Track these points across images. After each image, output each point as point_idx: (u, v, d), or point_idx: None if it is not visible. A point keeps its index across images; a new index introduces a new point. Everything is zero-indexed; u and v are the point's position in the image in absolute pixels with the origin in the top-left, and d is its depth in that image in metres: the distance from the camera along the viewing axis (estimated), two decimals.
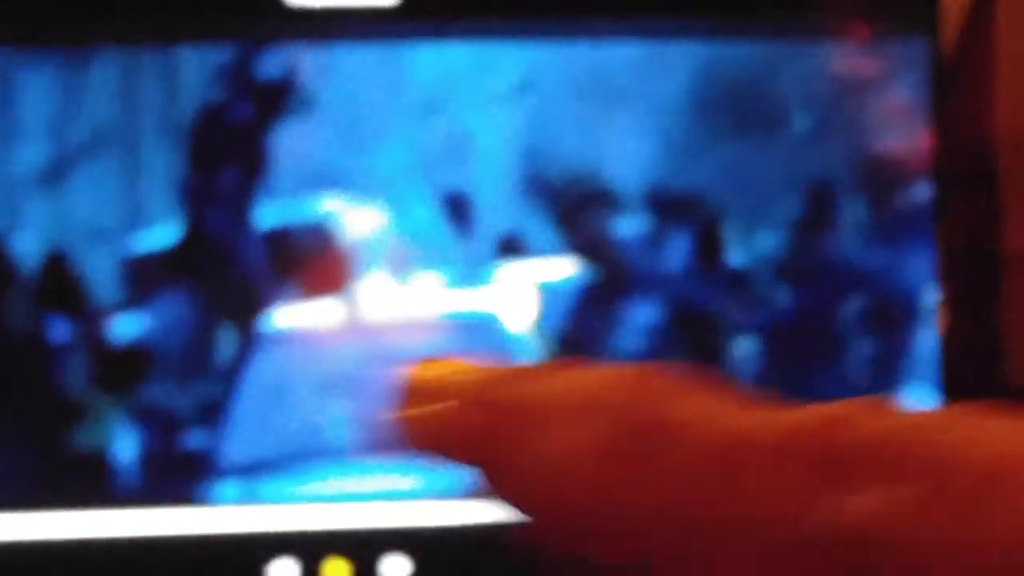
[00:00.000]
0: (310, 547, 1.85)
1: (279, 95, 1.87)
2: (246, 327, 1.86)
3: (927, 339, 1.88)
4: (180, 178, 1.86)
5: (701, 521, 0.61)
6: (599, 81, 1.88)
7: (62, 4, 1.82)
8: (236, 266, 1.86)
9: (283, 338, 1.87)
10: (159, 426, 1.85)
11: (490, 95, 1.88)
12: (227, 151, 1.87)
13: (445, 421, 0.73)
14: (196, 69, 1.86)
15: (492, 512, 1.85)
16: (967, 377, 1.91)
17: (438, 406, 0.73)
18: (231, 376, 1.87)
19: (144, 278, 1.86)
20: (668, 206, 1.88)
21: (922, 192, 1.88)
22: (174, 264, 1.86)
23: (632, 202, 1.88)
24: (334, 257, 1.88)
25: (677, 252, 1.88)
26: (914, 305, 1.88)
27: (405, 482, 1.87)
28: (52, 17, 1.83)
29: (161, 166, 1.86)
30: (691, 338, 1.88)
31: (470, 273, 1.88)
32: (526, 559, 1.79)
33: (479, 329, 1.89)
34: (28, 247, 1.84)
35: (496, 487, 0.73)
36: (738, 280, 1.88)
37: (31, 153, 1.85)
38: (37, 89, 1.85)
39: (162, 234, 1.86)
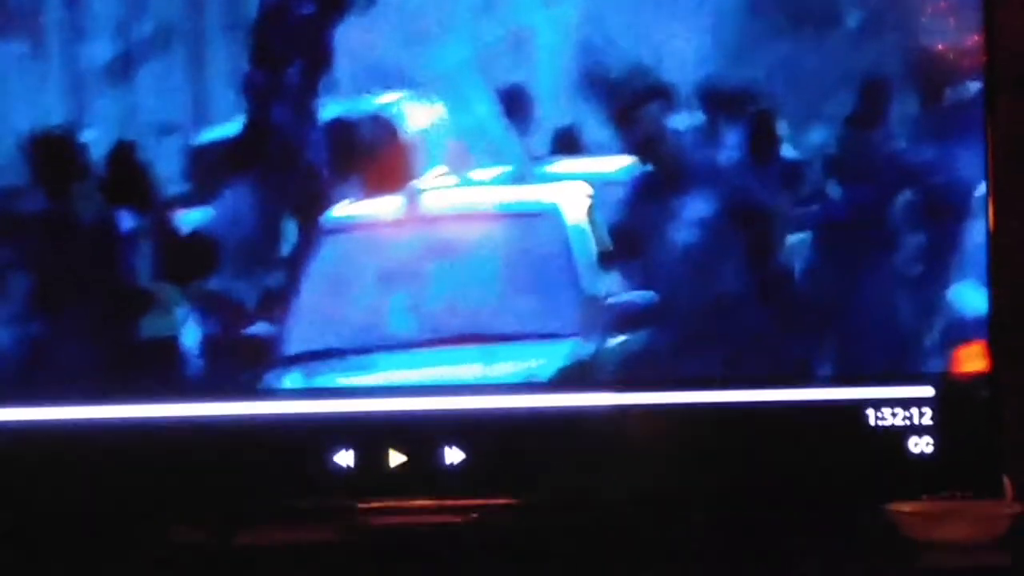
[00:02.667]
0: (369, 437, 1.90)
1: None
2: (309, 220, 1.91)
3: (976, 234, 1.90)
4: (244, 74, 1.90)
5: None
6: None
7: None
8: (299, 160, 1.90)
9: (345, 230, 1.91)
10: (223, 316, 1.90)
11: None
12: (290, 47, 1.91)
13: None
14: None
15: (546, 403, 1.88)
16: (1015, 271, 1.94)
17: None
18: (294, 267, 1.91)
19: (209, 171, 1.90)
20: (722, 101, 1.91)
21: (972, 89, 1.91)
22: (238, 158, 1.91)
23: (686, 97, 1.91)
24: (395, 151, 1.91)
25: (730, 146, 1.92)
26: (963, 200, 1.91)
27: (462, 373, 1.91)
28: None
29: (225, 62, 1.90)
30: (744, 231, 1.91)
31: (528, 167, 1.92)
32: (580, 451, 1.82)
33: (536, 222, 1.93)
34: (97, 140, 1.89)
35: None
36: (790, 174, 1.91)
37: (98, 49, 1.90)
38: None
39: (227, 128, 1.90)
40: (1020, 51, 2.00)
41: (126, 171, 1.89)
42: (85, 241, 1.89)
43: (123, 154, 1.89)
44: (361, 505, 1.91)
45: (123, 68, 1.89)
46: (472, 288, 1.90)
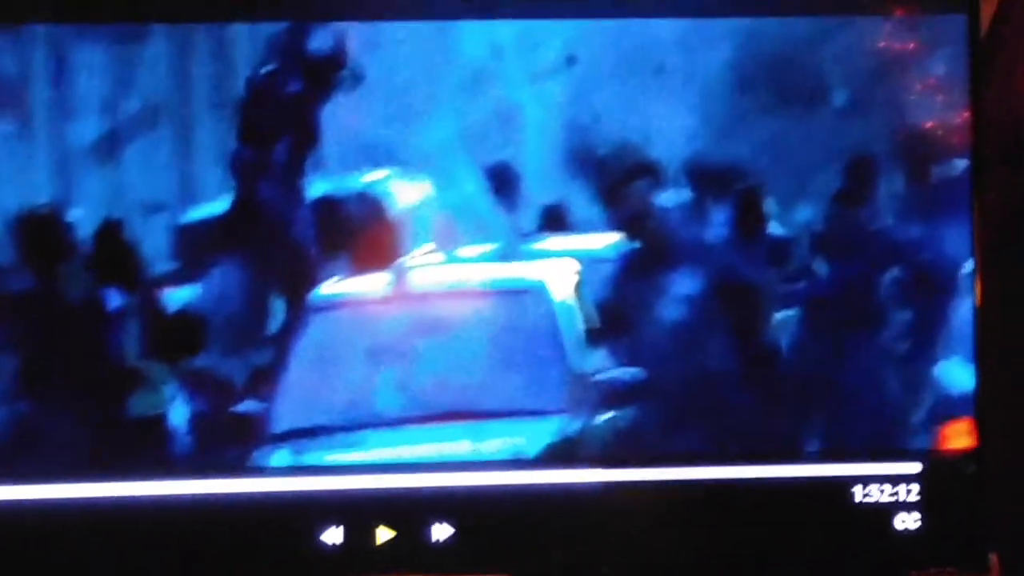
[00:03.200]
0: (358, 514, 1.90)
1: (329, 70, 1.90)
2: (296, 297, 1.91)
3: (963, 310, 1.91)
4: (232, 151, 1.90)
5: None
6: (642, 55, 1.91)
7: None
8: (286, 237, 1.90)
9: (332, 308, 1.91)
10: (212, 393, 1.90)
11: (535, 70, 1.91)
12: (278, 125, 1.91)
13: None
14: (247, 44, 1.90)
15: (534, 480, 1.89)
16: (1002, 347, 1.95)
17: None
18: (282, 345, 1.91)
19: (197, 249, 1.90)
20: (709, 178, 1.91)
21: (959, 166, 1.91)
22: (226, 235, 1.91)
23: (674, 174, 1.91)
24: (382, 228, 1.92)
25: (718, 223, 1.92)
26: (951, 277, 1.91)
27: (450, 450, 1.91)
28: None
29: (213, 139, 1.90)
30: (731, 308, 1.92)
31: (515, 244, 1.92)
32: (568, 527, 1.83)
33: (523, 299, 1.93)
34: (84, 219, 1.88)
35: None
36: (778, 251, 1.92)
37: (86, 127, 1.89)
38: (91, 65, 1.89)
39: (214, 206, 1.90)
40: (1007, 128, 2.00)
41: (113, 250, 1.89)
42: (72, 320, 1.89)
43: (110, 233, 1.89)
44: None
45: (110, 146, 1.89)
46: (460, 365, 1.90)
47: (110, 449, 1.89)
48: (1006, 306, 1.94)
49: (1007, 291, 1.95)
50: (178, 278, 1.90)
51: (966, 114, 1.90)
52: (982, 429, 1.91)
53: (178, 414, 1.90)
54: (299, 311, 1.91)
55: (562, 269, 1.93)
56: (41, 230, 1.88)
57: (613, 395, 1.91)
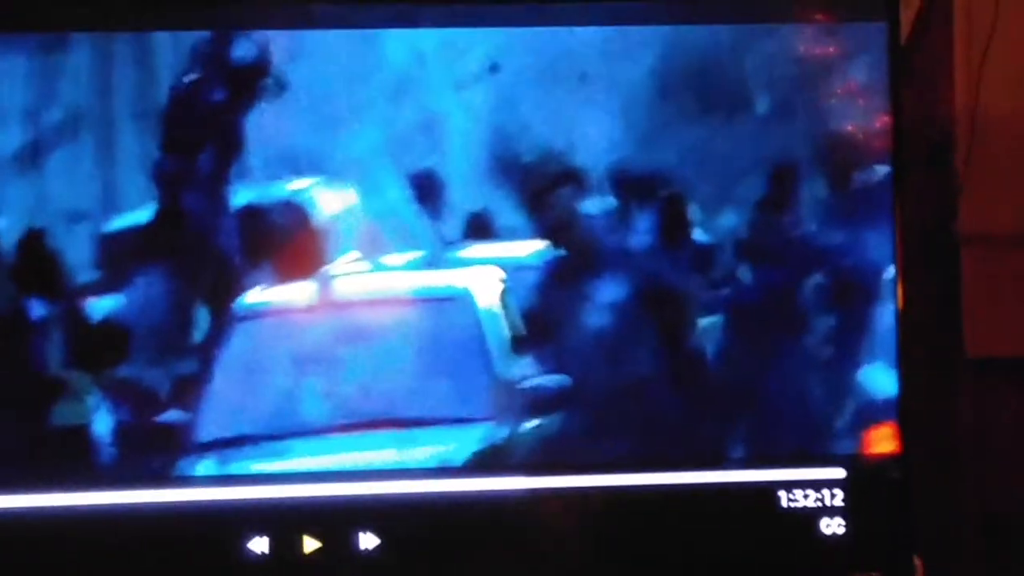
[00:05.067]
0: (283, 523, 1.89)
1: (252, 78, 1.90)
2: (221, 306, 1.90)
3: (886, 315, 1.92)
4: (155, 160, 1.89)
5: None
6: (566, 64, 1.92)
7: None
8: (210, 246, 1.90)
9: (257, 316, 1.91)
10: (136, 403, 1.89)
11: (459, 78, 1.91)
12: (201, 134, 1.90)
13: None
14: (170, 53, 1.89)
15: (460, 487, 1.88)
16: (924, 352, 1.96)
17: None
18: (206, 354, 1.90)
19: (120, 258, 1.89)
20: (633, 185, 1.92)
21: (881, 172, 1.92)
22: (150, 244, 1.90)
23: (598, 181, 1.91)
24: (307, 237, 1.91)
25: (642, 230, 1.92)
26: (873, 282, 1.92)
27: (376, 458, 1.91)
28: (27, 3, 1.86)
29: (136, 148, 1.89)
30: (656, 315, 1.92)
31: (440, 252, 1.92)
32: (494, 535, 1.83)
33: (448, 306, 1.93)
34: (6, 229, 1.87)
35: None
36: (702, 258, 1.92)
37: (7, 137, 1.88)
38: (12, 74, 1.88)
39: (138, 215, 1.90)
40: (927, 134, 2.02)
41: (36, 259, 1.88)
42: None
43: (33, 242, 1.88)
44: None
45: (32, 156, 1.88)
46: (385, 373, 1.90)
47: (33, 460, 1.88)
48: (927, 311, 1.95)
49: (929, 296, 1.96)
50: (101, 288, 1.89)
51: (887, 120, 1.91)
52: (905, 434, 1.92)
53: (102, 424, 1.89)
54: (223, 320, 1.90)
55: (487, 277, 1.93)
56: None
57: (539, 402, 1.91)
